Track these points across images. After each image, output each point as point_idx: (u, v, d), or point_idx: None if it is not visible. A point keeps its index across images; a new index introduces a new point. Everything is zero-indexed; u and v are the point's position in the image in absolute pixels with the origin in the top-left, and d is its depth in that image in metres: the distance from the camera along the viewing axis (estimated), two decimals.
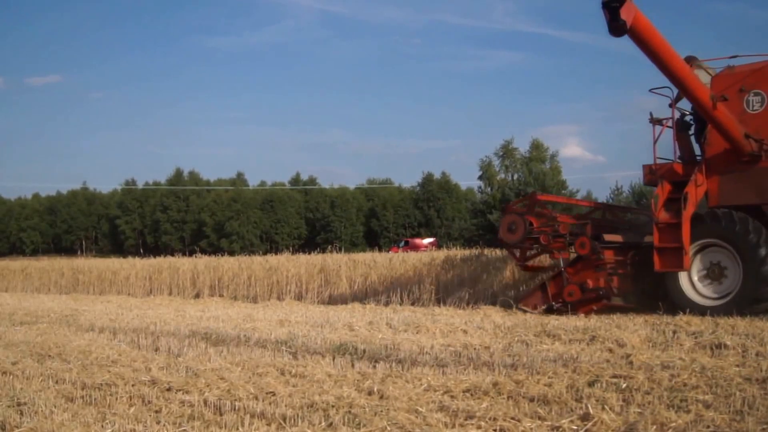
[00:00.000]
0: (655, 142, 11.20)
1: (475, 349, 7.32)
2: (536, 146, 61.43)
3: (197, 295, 18.60)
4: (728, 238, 10.13)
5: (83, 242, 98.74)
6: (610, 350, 6.96)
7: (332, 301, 15.76)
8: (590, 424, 4.29)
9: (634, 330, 7.97)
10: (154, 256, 26.12)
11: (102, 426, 4.61)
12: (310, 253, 18.68)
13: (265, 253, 20.92)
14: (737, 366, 5.89)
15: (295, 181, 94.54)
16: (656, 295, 10.57)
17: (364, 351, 7.35)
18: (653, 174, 11.07)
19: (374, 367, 6.53)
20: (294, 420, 4.65)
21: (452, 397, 5.21)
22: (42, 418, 4.84)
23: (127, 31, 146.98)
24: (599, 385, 5.37)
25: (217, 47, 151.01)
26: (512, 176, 60.85)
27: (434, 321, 9.61)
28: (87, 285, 22.99)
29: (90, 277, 23.17)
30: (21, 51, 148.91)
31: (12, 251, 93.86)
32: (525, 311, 11.18)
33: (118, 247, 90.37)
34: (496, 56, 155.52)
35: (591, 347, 7.18)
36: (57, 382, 6.32)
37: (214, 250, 56.66)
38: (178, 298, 18.31)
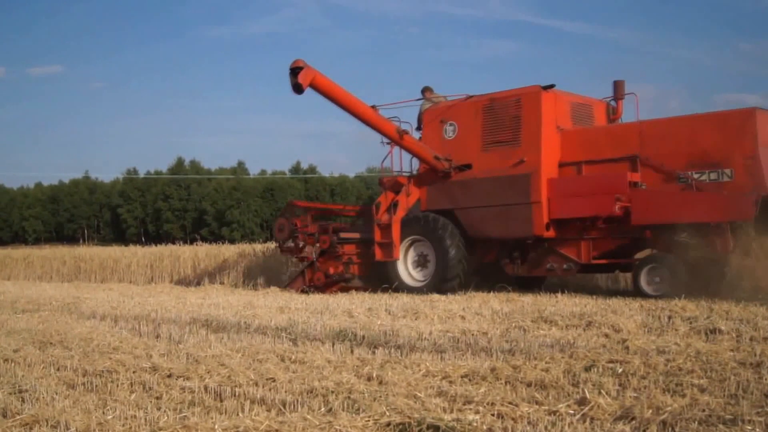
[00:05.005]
0: (383, 160, 14.22)
1: (473, 335, 7.36)
2: None
3: (198, 283, 18.64)
4: (426, 234, 12.97)
5: (85, 231, 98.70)
6: (606, 335, 6.99)
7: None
8: (587, 408, 4.32)
9: (629, 315, 8.01)
10: (156, 245, 26.14)
11: (103, 412, 4.64)
12: None
13: (265, 241, 20.91)
14: (732, 351, 5.93)
15: (296, 169, 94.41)
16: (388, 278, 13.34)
17: (363, 337, 7.39)
18: (383, 185, 14.01)
19: (373, 353, 6.57)
20: (294, 405, 4.68)
21: (450, 382, 5.25)
22: (43, 405, 4.88)
23: (127, 22, 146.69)
24: (596, 370, 5.41)
25: (216, 37, 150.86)
26: None
27: (432, 307, 9.66)
28: (89, 273, 23.06)
29: (92, 266, 23.24)
30: (23, 41, 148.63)
31: (14, 240, 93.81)
32: (291, 291, 14.09)
33: (120, 236, 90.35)
34: (492, 45, 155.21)
35: (587, 333, 7.22)
36: (58, 369, 6.36)
37: (215, 238, 56.61)
38: (178, 286, 18.34)
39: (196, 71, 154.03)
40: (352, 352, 6.67)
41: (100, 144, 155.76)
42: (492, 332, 7.47)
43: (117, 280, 21.92)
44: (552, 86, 12.25)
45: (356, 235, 14.15)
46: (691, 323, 7.37)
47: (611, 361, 5.58)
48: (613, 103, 13.40)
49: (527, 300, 10.52)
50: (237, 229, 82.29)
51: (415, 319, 8.74)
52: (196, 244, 23.58)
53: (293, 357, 6.38)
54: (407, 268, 13.33)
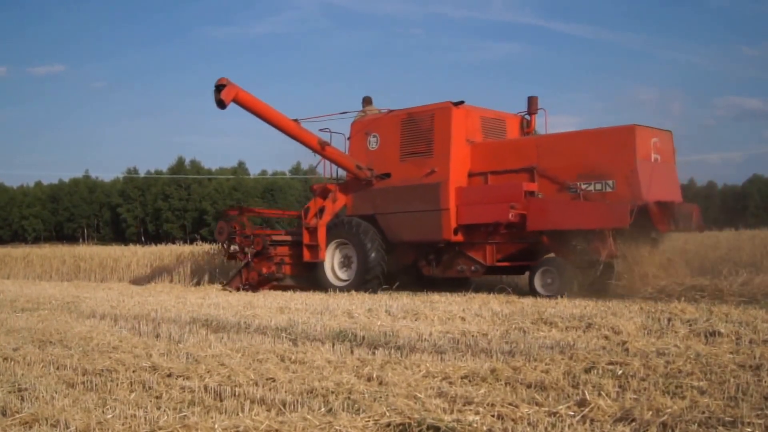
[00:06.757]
0: (316, 166, 15.30)
1: (473, 336, 7.36)
2: None
3: (198, 283, 18.64)
4: (350, 238, 14.00)
5: (85, 230, 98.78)
6: (606, 337, 6.98)
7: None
8: (587, 409, 4.31)
9: (629, 318, 8.00)
10: (155, 244, 26.14)
11: (103, 411, 4.64)
12: None
13: None
14: (731, 353, 5.93)
15: (296, 170, 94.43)
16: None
17: (364, 338, 7.39)
18: (313, 192, 15.23)
19: (373, 353, 6.57)
20: (294, 405, 4.69)
21: (450, 383, 5.25)
22: (43, 404, 4.88)
23: (130, 22, 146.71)
24: (596, 371, 5.40)
25: (219, 38, 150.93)
26: None
27: (432, 308, 9.65)
28: (88, 272, 23.04)
29: (91, 265, 23.23)
30: (24, 40, 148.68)
31: (14, 239, 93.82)
32: (230, 290, 15.05)
33: (120, 235, 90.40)
34: (494, 48, 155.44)
35: (587, 334, 7.21)
36: (58, 368, 6.36)
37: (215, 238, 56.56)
38: (179, 286, 18.34)
39: (198, 71, 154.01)
40: (352, 352, 6.67)
41: (100, 143, 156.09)
42: (492, 333, 7.46)
43: (117, 279, 21.93)
44: (462, 102, 13.29)
45: (288, 238, 15.21)
46: (690, 326, 7.36)
47: (611, 363, 5.58)
48: (527, 117, 14.29)
49: (527, 302, 10.51)
50: None
51: (415, 320, 8.74)
52: (196, 244, 23.60)
53: (293, 357, 6.38)
54: (333, 269, 14.42)
